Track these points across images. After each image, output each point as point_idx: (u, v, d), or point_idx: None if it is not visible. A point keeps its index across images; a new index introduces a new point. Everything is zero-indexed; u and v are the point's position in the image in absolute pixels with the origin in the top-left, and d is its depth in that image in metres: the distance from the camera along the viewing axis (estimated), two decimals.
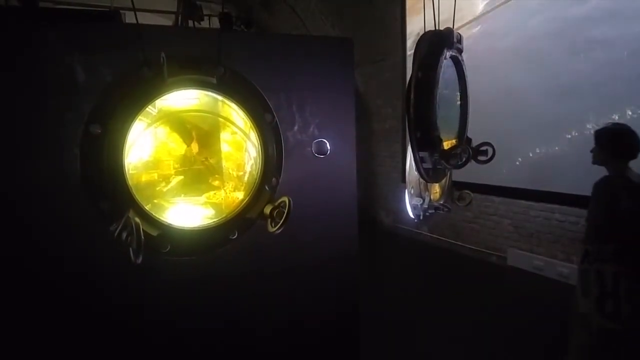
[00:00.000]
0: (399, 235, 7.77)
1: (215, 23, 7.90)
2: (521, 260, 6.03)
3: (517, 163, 5.87)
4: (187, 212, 1.31)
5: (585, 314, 2.50)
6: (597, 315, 2.43)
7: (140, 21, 1.28)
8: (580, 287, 2.57)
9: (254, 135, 1.30)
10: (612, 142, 2.69)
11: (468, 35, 6.31)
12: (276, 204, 1.22)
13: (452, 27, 1.64)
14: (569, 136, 5.30)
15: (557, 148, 5.46)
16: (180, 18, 3.56)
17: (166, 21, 8.42)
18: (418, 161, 1.57)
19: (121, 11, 3.00)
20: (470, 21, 6.36)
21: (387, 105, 8.49)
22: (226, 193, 1.36)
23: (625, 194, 2.49)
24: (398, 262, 6.41)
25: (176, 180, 1.31)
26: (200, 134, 1.34)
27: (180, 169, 1.31)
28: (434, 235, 7.44)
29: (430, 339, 4.23)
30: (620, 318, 2.35)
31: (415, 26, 7.32)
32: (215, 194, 1.35)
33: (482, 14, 6.33)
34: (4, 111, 1.38)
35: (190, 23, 3.56)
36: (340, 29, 8.38)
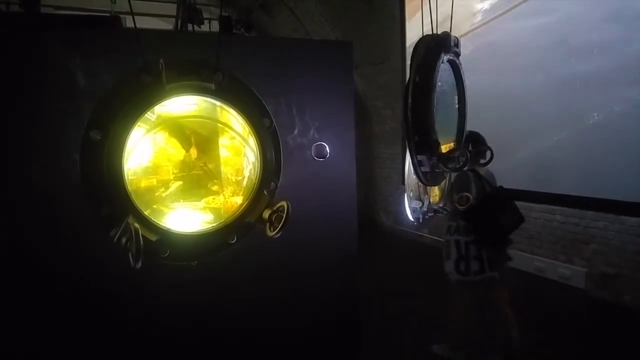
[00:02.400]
0: (400, 236, 7.77)
1: (216, 26, 7.93)
2: (522, 262, 6.02)
3: (517, 164, 5.87)
4: (186, 217, 1.31)
5: (447, 273, 3.51)
6: (455, 273, 3.44)
7: (142, 25, 1.29)
8: (445, 253, 3.54)
9: (252, 140, 1.31)
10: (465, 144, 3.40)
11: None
12: (275, 208, 1.23)
13: (449, 30, 1.65)
14: (570, 138, 5.30)
15: (557, 150, 5.46)
16: (180, 22, 3.58)
17: (168, 25, 8.45)
18: (416, 165, 1.58)
19: (121, 16, 3.01)
20: (479, 26, 6.35)
21: (387, 107, 8.50)
22: (225, 198, 1.36)
23: (474, 185, 3.33)
24: (398, 264, 6.40)
25: (175, 185, 1.31)
26: (199, 139, 1.34)
27: (179, 174, 1.32)
28: (435, 237, 7.43)
29: (431, 340, 4.23)
30: (469, 274, 3.37)
31: (415, 28, 7.33)
32: (214, 198, 1.36)
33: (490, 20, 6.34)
34: (5, 116, 1.39)
35: (191, 27, 3.58)
36: (340, 31, 8.39)
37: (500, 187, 3.54)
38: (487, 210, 3.25)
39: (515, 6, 5.81)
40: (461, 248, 3.42)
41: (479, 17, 6.41)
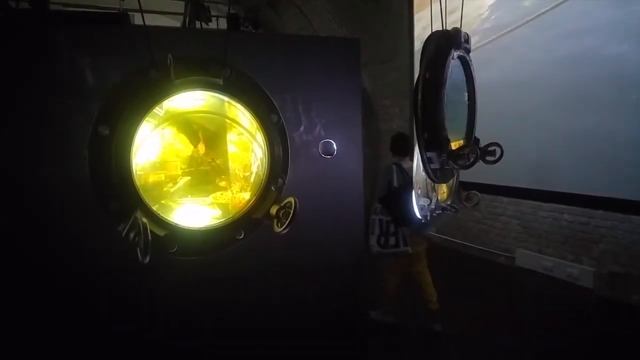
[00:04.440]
0: None
1: (223, 24, 7.94)
2: (530, 261, 5.99)
3: (523, 163, 5.83)
4: (194, 213, 1.31)
5: (371, 245, 4.27)
6: (376, 246, 4.26)
7: (149, 23, 1.29)
8: (370, 229, 4.30)
9: (260, 136, 1.31)
10: (393, 143, 4.59)
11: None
12: (282, 204, 1.22)
13: (459, 27, 1.64)
14: (578, 137, 5.26)
15: (564, 148, 5.41)
16: (187, 20, 3.59)
17: (175, 22, 8.47)
18: (425, 162, 1.56)
19: (130, 13, 3.02)
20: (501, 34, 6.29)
21: (394, 105, 8.48)
22: (233, 193, 1.36)
23: (396, 176, 4.32)
24: None
25: (183, 181, 1.31)
26: (207, 135, 1.34)
27: (187, 170, 1.32)
28: (442, 236, 7.41)
29: (438, 339, 4.22)
30: (387, 247, 4.22)
31: (423, 26, 7.30)
32: (222, 194, 1.35)
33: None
34: (14, 112, 1.40)
35: (198, 24, 3.58)
36: (348, 28, 8.37)
37: None
38: (401, 196, 4.03)
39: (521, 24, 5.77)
40: (382, 226, 4.25)
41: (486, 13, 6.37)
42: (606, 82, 4.91)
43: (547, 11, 5.45)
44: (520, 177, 5.94)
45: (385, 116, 8.77)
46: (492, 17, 6.33)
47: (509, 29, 6.01)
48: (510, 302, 4.99)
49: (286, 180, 1.40)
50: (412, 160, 4.37)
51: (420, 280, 4.48)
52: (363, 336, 2.13)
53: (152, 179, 1.28)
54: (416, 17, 7.53)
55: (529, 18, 5.70)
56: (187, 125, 1.33)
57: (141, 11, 1.24)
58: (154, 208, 1.19)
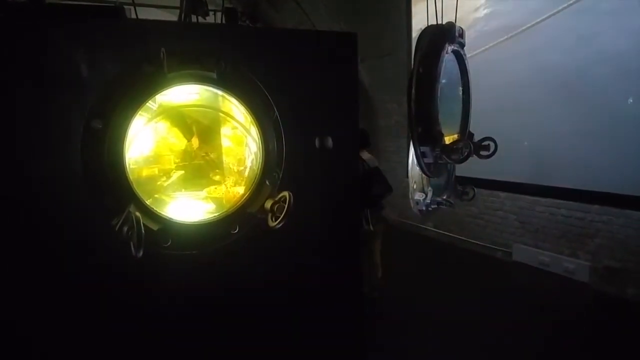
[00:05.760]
0: (404, 230, 7.76)
1: (221, 19, 7.89)
2: (527, 256, 6.00)
3: (523, 158, 5.83)
4: (188, 207, 1.31)
5: None
6: None
7: (145, 17, 1.28)
8: None
9: (254, 131, 1.31)
10: None
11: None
12: (277, 198, 1.22)
13: (454, 21, 1.63)
14: (576, 132, 5.26)
15: (563, 143, 5.41)
16: (183, 14, 3.56)
17: (172, 17, 8.42)
18: (419, 156, 1.57)
19: (125, 7, 3.00)
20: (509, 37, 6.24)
21: (392, 100, 8.46)
22: (227, 188, 1.36)
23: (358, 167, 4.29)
24: (403, 257, 6.40)
25: (177, 175, 1.31)
26: (201, 128, 1.34)
27: (180, 164, 1.32)
28: (440, 231, 7.42)
29: (436, 334, 4.23)
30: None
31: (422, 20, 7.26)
32: (216, 188, 1.36)
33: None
34: (8, 106, 1.39)
35: (195, 18, 3.56)
36: (346, 23, 8.34)
37: (376, 167, 4.75)
38: (361, 182, 4.23)
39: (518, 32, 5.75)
40: None
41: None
42: (605, 78, 4.91)
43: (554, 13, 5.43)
44: (517, 171, 5.95)
45: (384, 111, 8.75)
46: (496, 14, 6.32)
47: (511, 33, 5.99)
48: (507, 297, 5.01)
49: (281, 175, 1.39)
50: (370, 152, 4.92)
51: (369, 258, 4.71)
52: (361, 329, 2.13)
53: (145, 172, 1.28)
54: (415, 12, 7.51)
55: (533, 22, 5.68)
56: (181, 119, 1.33)
57: (134, 5, 1.24)
58: (148, 202, 1.19)
